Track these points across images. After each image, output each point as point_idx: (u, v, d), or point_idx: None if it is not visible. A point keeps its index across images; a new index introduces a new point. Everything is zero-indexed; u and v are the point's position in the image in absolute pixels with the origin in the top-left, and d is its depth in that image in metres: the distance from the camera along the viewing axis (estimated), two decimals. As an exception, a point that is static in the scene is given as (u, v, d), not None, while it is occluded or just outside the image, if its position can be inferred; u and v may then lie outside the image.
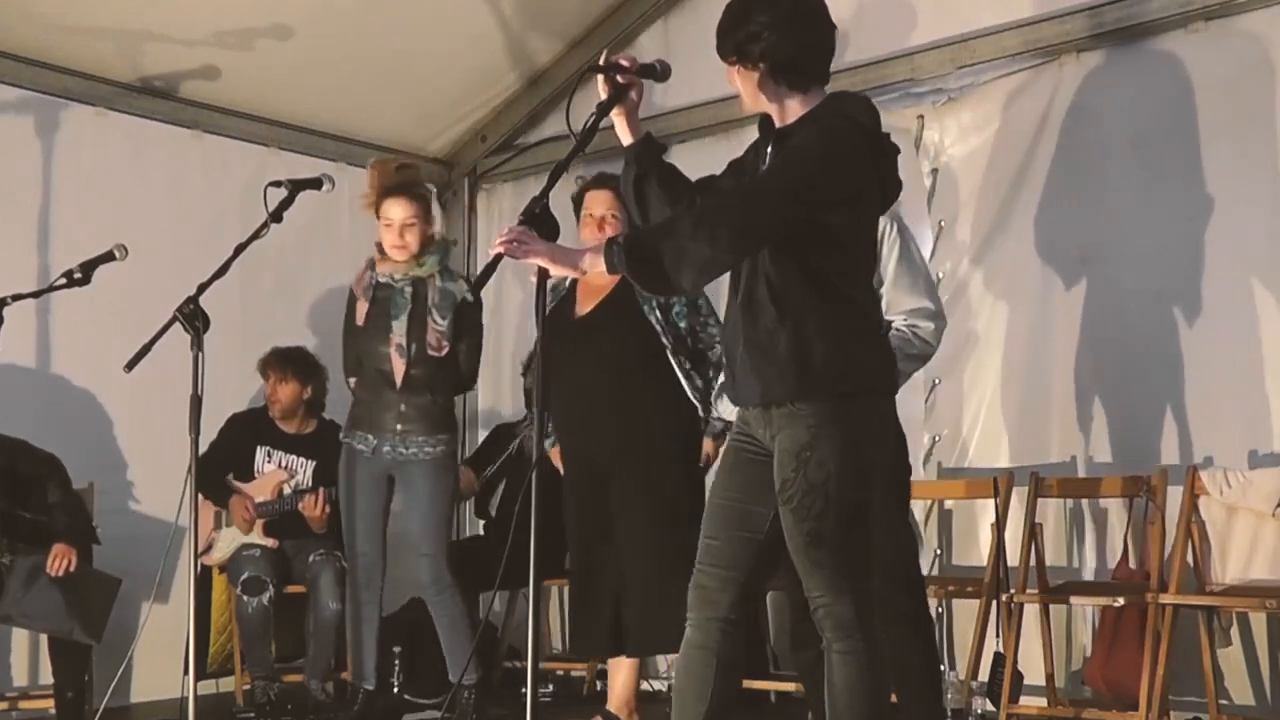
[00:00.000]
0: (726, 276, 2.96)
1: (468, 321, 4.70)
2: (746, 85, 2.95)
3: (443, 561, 4.61)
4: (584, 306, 4.38)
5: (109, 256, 4.13)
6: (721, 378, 3.94)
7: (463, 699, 4.64)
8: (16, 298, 4.27)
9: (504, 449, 5.75)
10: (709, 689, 3.00)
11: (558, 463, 4.51)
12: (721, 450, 3.19)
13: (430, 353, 4.60)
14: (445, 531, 4.69)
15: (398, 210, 4.62)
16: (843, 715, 2.94)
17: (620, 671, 4.30)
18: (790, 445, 2.85)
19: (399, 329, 4.61)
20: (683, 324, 4.37)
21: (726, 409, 4.00)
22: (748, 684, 4.79)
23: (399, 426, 4.61)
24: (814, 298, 2.85)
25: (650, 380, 4.31)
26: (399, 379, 4.61)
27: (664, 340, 4.28)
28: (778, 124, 2.97)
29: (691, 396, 4.35)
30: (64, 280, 4.14)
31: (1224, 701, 4.30)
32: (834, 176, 2.83)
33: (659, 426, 4.33)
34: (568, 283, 4.42)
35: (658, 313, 4.32)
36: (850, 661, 2.90)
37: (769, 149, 2.96)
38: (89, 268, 4.11)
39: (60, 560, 4.55)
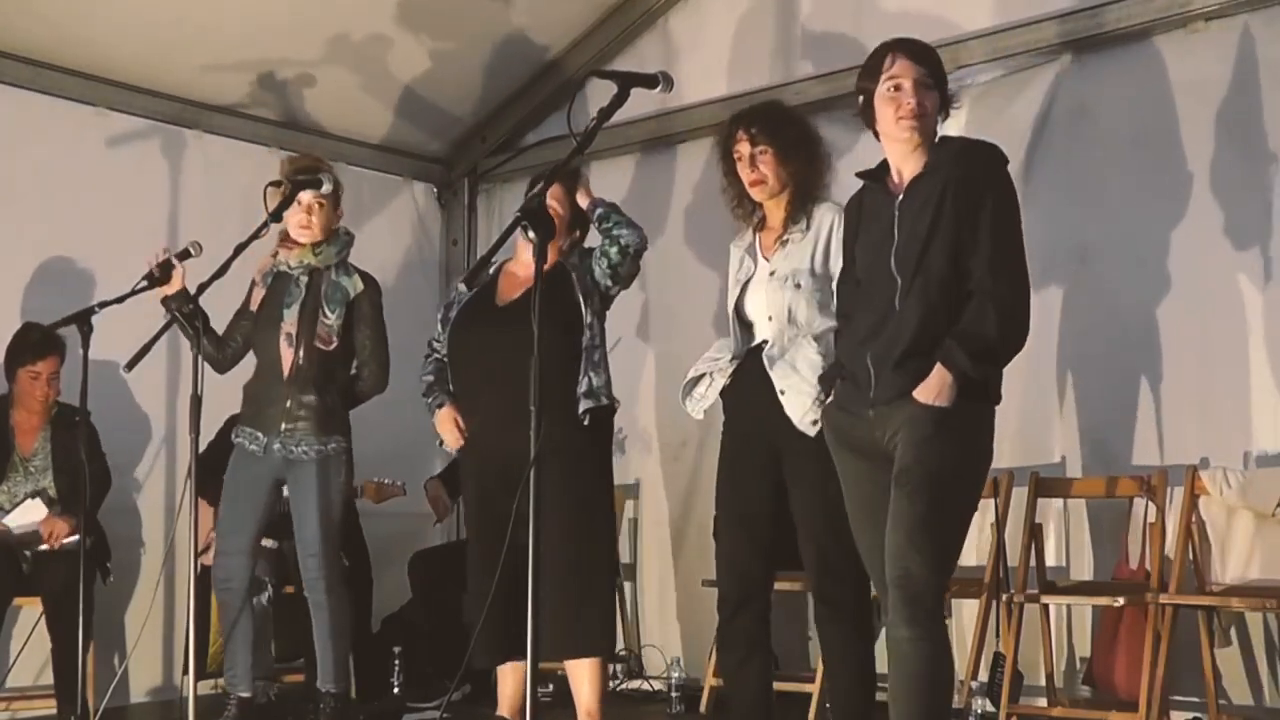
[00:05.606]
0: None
1: (361, 317, 4.58)
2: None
3: (331, 563, 4.52)
4: (508, 294, 4.17)
5: (185, 254, 4.29)
6: (699, 374, 3.91)
7: (328, 706, 4.52)
8: (103, 305, 4.28)
9: None
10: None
11: (444, 430, 4.19)
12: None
13: (319, 345, 4.50)
14: (334, 533, 4.55)
15: (308, 191, 4.49)
16: (902, 701, 2.98)
17: (583, 676, 4.14)
18: (913, 436, 3.02)
19: (290, 318, 4.49)
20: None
21: (696, 408, 3.95)
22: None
23: (284, 425, 4.49)
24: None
25: (576, 372, 4.07)
26: (286, 370, 4.49)
27: (590, 334, 4.05)
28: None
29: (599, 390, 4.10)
30: (145, 283, 4.27)
31: (1224, 701, 4.30)
32: None
33: (578, 421, 4.07)
34: (490, 271, 4.26)
35: (595, 304, 4.09)
36: (922, 649, 2.97)
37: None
38: (167, 267, 4.27)
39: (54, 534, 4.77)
